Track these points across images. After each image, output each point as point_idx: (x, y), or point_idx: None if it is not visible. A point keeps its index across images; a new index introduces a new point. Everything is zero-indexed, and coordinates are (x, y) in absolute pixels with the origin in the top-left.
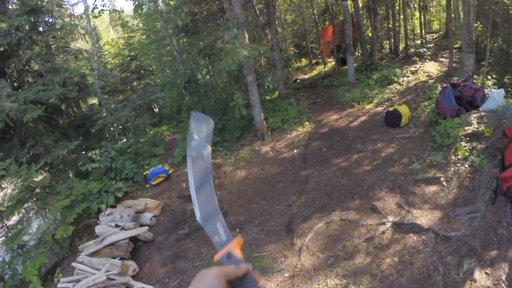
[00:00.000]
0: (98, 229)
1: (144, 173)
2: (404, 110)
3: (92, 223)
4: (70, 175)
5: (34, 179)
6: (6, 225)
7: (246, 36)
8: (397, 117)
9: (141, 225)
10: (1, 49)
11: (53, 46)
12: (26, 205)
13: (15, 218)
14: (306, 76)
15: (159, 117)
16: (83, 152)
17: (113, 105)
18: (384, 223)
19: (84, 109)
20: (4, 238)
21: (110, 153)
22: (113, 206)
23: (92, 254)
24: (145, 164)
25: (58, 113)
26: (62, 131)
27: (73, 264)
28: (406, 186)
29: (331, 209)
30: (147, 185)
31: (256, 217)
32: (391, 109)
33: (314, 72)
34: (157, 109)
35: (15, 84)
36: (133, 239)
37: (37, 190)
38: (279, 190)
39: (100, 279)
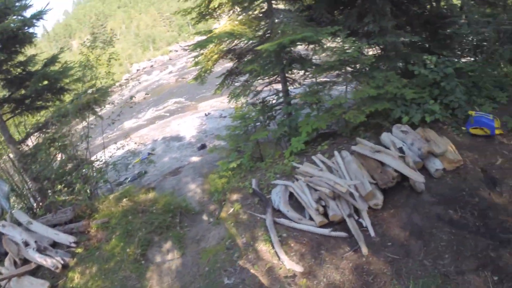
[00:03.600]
0: (383, 137)
1: (469, 112)
2: None
3: (383, 126)
4: (400, 64)
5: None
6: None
7: None
8: None
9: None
10: None
11: None
12: (335, 72)
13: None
14: None
15: None
16: (419, 53)
17: (476, 16)
18: None
19: (442, 7)
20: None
21: (447, 68)
22: (413, 126)
23: (361, 156)
24: (477, 102)
25: (412, 1)
26: (407, 20)
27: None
28: None
29: None
30: (463, 128)
31: None
32: None
33: None
34: None
35: None
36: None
37: (355, 66)
38: None
39: (341, 188)
